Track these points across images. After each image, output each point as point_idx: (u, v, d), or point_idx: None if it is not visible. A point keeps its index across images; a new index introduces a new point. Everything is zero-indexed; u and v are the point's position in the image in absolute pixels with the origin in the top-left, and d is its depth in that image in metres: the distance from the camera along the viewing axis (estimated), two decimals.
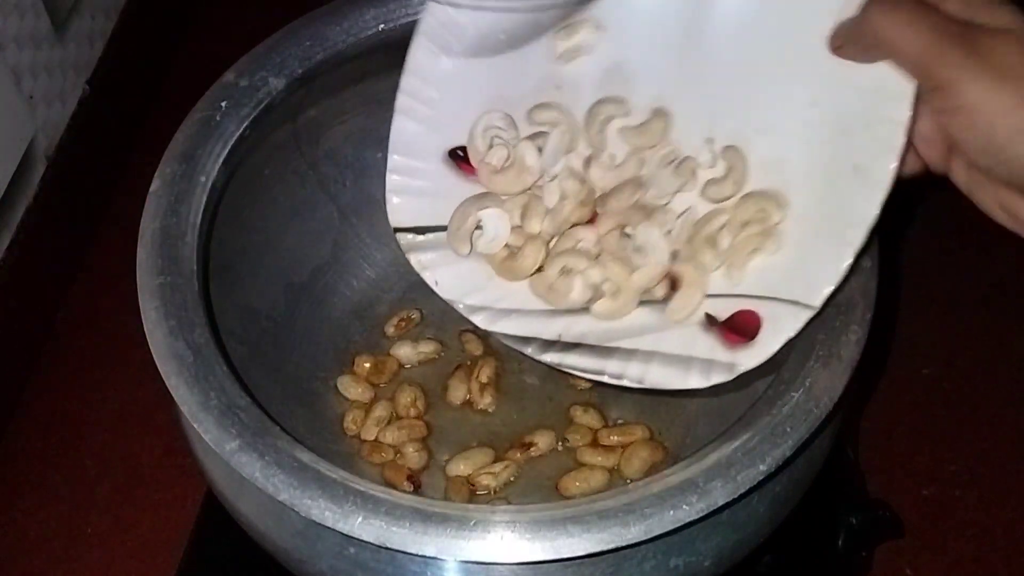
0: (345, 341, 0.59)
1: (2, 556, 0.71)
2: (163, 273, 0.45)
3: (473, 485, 0.54)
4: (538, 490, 0.54)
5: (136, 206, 0.47)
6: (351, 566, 0.42)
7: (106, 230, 0.87)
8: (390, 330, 0.60)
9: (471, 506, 0.41)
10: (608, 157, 0.48)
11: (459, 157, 0.48)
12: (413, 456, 0.55)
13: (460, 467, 0.54)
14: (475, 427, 0.57)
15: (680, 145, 0.47)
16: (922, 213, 0.81)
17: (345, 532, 0.39)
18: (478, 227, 0.48)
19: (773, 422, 0.41)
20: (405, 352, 0.59)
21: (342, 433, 0.56)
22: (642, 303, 0.47)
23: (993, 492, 0.72)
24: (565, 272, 0.47)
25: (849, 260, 0.41)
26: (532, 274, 0.48)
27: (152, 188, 0.48)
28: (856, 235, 0.41)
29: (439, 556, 0.39)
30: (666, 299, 0.46)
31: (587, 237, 0.47)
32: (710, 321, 0.45)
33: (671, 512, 0.38)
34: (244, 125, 0.50)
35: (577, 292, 0.47)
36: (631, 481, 0.44)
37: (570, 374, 0.47)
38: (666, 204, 0.47)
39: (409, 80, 0.47)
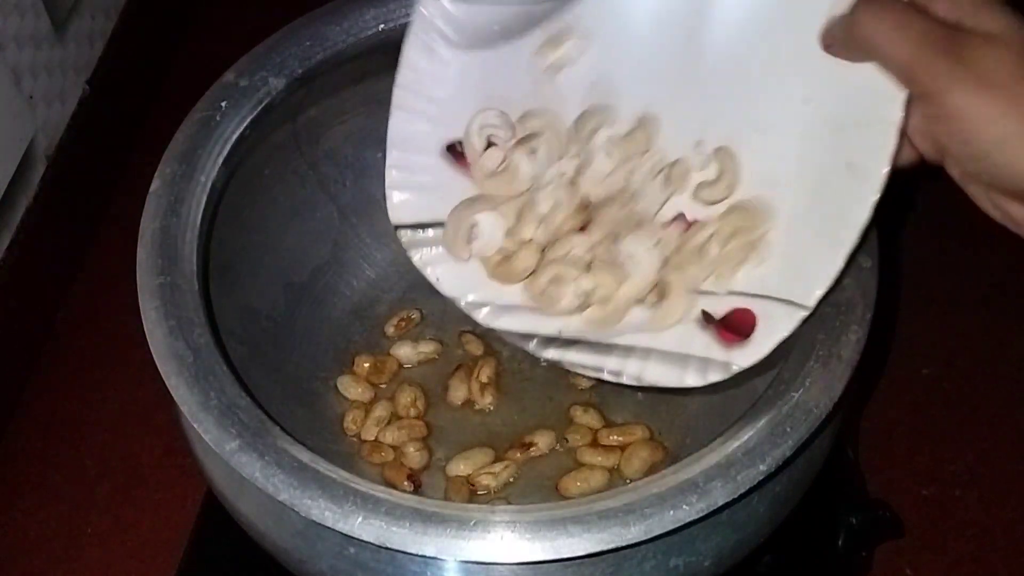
0: (345, 341, 0.59)
1: (2, 556, 0.71)
2: (163, 273, 0.45)
3: (473, 485, 0.54)
4: (538, 490, 0.54)
5: (136, 206, 0.47)
6: (351, 566, 0.42)
7: (106, 230, 0.87)
8: (390, 330, 0.60)
9: (471, 506, 0.41)
10: (598, 167, 0.48)
11: (457, 152, 0.48)
12: (413, 456, 0.55)
13: (460, 467, 0.54)
14: (475, 427, 0.57)
15: (670, 150, 0.46)
16: (922, 213, 0.80)
17: (345, 532, 0.39)
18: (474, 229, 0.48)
19: (773, 422, 0.41)
20: (405, 352, 0.59)
21: (342, 433, 0.56)
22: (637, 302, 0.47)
23: (993, 492, 0.72)
24: (556, 280, 0.47)
25: (842, 262, 0.41)
26: (525, 278, 0.48)
27: (152, 188, 0.48)
28: (849, 236, 0.41)
29: (439, 556, 0.39)
30: (655, 306, 0.46)
31: (579, 245, 0.47)
32: (706, 319, 0.45)
33: (671, 512, 0.39)
34: (244, 125, 0.50)
35: (567, 300, 0.47)
36: (631, 481, 0.44)
37: (570, 371, 0.47)
38: (656, 213, 0.47)
39: (405, 74, 0.47)
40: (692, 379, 0.44)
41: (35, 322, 0.81)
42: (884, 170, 0.39)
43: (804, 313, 0.42)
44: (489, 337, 0.58)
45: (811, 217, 0.42)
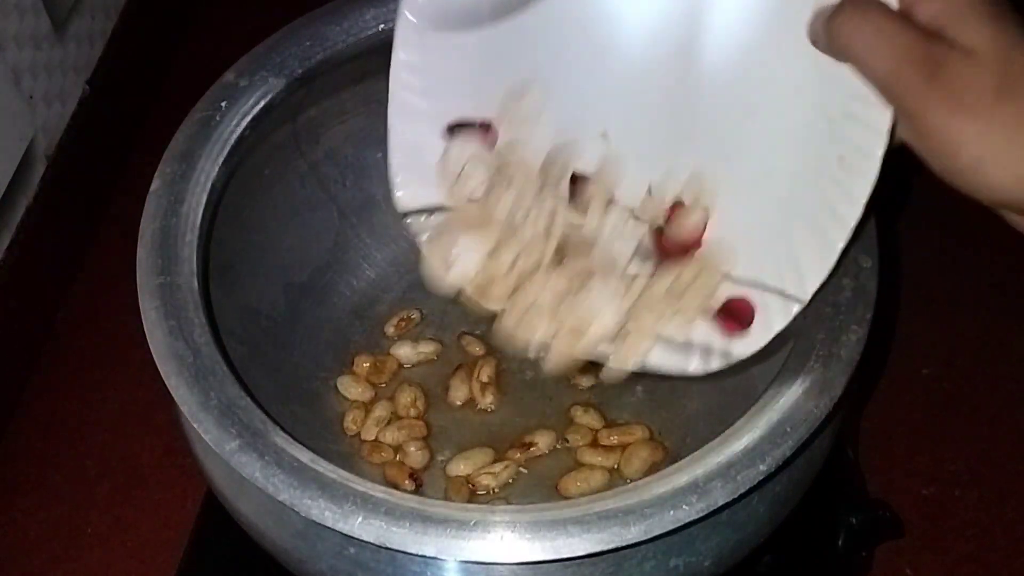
0: (345, 341, 0.59)
1: (2, 556, 0.71)
2: (163, 273, 0.45)
3: (473, 485, 0.54)
4: (538, 490, 0.54)
5: (136, 206, 0.47)
6: (351, 566, 0.42)
7: (106, 230, 0.87)
8: (390, 330, 0.60)
9: (471, 506, 0.41)
10: (569, 207, 0.48)
11: (459, 132, 0.48)
12: (414, 456, 0.55)
13: (460, 467, 0.54)
14: (475, 427, 0.57)
15: (642, 175, 0.46)
16: (921, 213, 0.80)
17: (345, 532, 0.39)
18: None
19: (773, 422, 0.41)
20: (405, 352, 0.59)
21: (342, 433, 0.56)
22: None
23: (993, 492, 0.72)
24: (525, 325, 0.47)
25: (835, 256, 0.41)
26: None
27: (152, 188, 0.48)
28: (841, 230, 0.40)
29: (439, 556, 0.39)
30: (617, 345, 0.46)
31: (551, 283, 0.47)
32: None
33: (671, 512, 0.38)
34: (244, 125, 0.50)
35: (534, 346, 0.47)
36: (631, 481, 0.44)
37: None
38: (625, 256, 0.47)
39: (398, 59, 0.47)
40: (695, 366, 0.44)
41: (35, 322, 0.81)
42: (875, 168, 0.39)
43: (799, 306, 0.42)
44: (489, 337, 0.58)
45: (804, 209, 0.42)
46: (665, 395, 0.57)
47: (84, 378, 0.79)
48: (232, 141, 0.50)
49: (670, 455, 0.54)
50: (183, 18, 1.01)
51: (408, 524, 0.39)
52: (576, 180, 0.48)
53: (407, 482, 0.53)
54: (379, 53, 0.49)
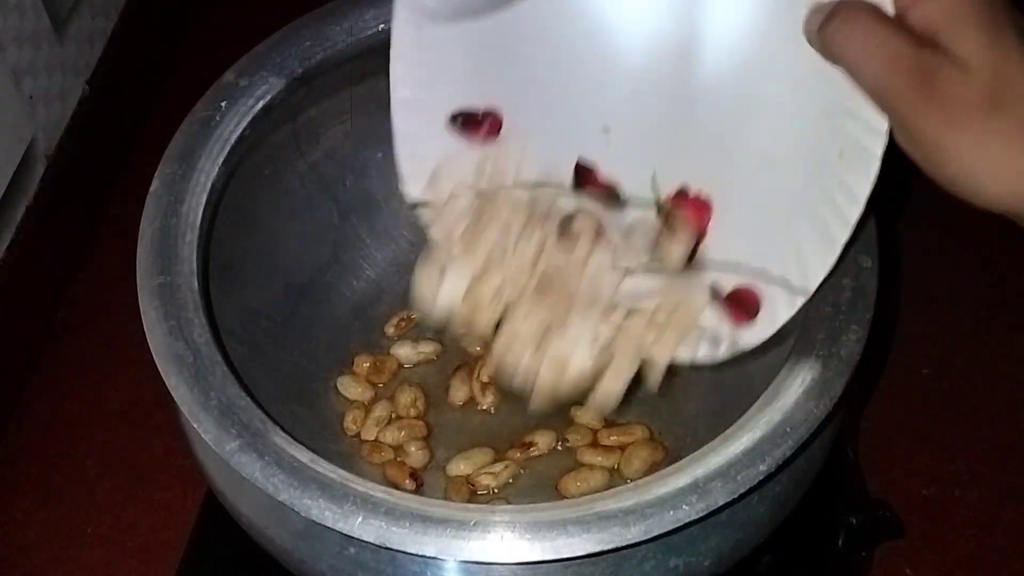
0: (345, 341, 0.59)
1: (2, 556, 0.71)
2: (163, 273, 0.45)
3: (473, 485, 0.54)
4: (538, 490, 0.54)
5: (136, 206, 0.47)
6: (351, 566, 0.42)
7: (106, 230, 0.87)
8: (390, 330, 0.60)
9: (471, 506, 0.41)
10: (554, 242, 0.48)
11: (461, 123, 0.48)
12: (415, 455, 0.55)
13: (460, 467, 0.54)
14: (475, 427, 0.57)
15: (643, 171, 0.47)
16: (921, 213, 0.80)
17: (345, 532, 0.39)
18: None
19: (773, 422, 0.41)
20: (405, 352, 0.59)
21: (342, 433, 0.56)
22: (648, 269, 0.47)
23: (993, 492, 0.72)
24: (510, 355, 0.47)
25: (839, 249, 0.41)
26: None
27: (152, 188, 0.48)
28: (843, 229, 0.41)
29: (439, 556, 0.39)
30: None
31: (533, 314, 0.47)
32: (713, 294, 0.45)
33: (671, 512, 0.38)
34: (244, 125, 0.50)
35: (518, 381, 0.47)
36: (631, 481, 0.44)
37: None
38: (606, 294, 0.47)
39: (397, 54, 0.47)
40: (704, 354, 0.45)
41: (35, 322, 0.81)
42: (875, 166, 0.39)
43: (804, 298, 0.42)
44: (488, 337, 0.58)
45: (807, 203, 0.42)
46: (665, 395, 0.57)
47: (84, 378, 0.79)
48: (232, 141, 0.50)
49: (670, 455, 0.54)
50: (183, 18, 1.01)
51: (408, 524, 0.39)
52: (581, 171, 0.48)
53: (407, 482, 0.53)
54: (379, 53, 0.49)
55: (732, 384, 0.52)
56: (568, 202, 0.48)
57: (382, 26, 0.53)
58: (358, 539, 0.39)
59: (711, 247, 0.46)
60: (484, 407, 0.57)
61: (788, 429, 0.40)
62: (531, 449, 0.55)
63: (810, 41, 0.38)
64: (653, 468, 0.54)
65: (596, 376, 0.46)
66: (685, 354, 0.45)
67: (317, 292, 0.59)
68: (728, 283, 0.45)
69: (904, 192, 0.76)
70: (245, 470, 0.40)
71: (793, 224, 0.43)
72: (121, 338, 0.78)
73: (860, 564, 0.62)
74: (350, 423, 0.56)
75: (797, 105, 0.42)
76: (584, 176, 0.48)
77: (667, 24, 0.44)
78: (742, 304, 0.45)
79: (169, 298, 0.44)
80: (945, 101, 0.33)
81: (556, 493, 0.54)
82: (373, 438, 0.56)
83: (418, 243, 0.60)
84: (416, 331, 0.60)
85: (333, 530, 0.39)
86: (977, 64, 0.33)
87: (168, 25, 1.00)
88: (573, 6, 0.46)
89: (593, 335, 0.46)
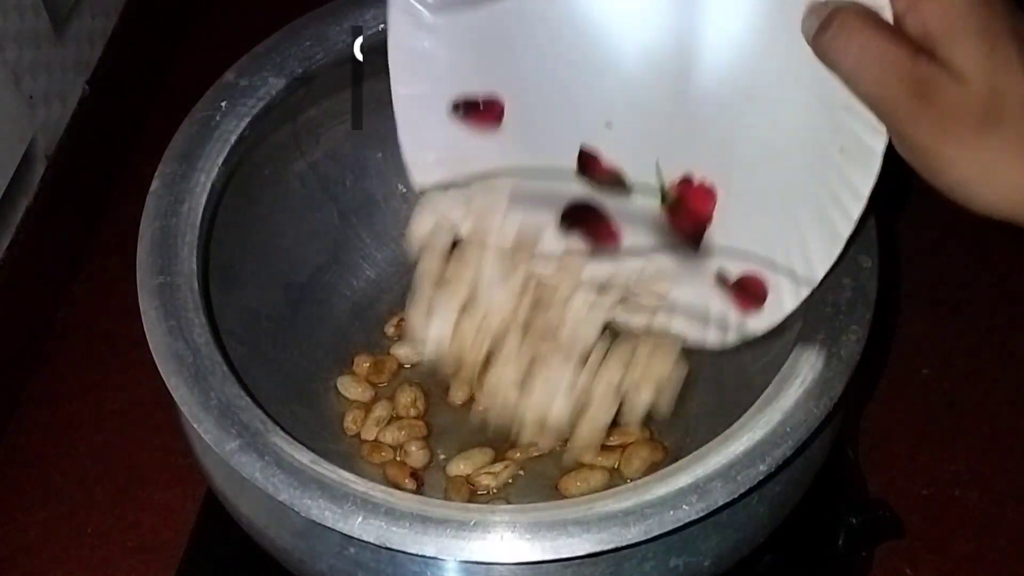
0: (345, 341, 0.59)
1: (2, 556, 0.71)
2: (163, 273, 0.45)
3: (473, 485, 0.54)
4: (538, 490, 0.54)
5: (136, 206, 0.47)
6: (351, 566, 0.42)
7: (106, 230, 0.87)
8: (390, 330, 0.60)
9: (471, 506, 0.41)
10: (536, 283, 0.49)
11: (463, 111, 0.49)
12: (415, 455, 0.55)
13: (460, 467, 0.54)
14: (475, 427, 0.57)
15: (647, 160, 0.47)
16: (921, 213, 0.80)
17: (345, 532, 0.39)
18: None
19: (773, 422, 0.41)
20: (405, 352, 0.59)
21: (342, 433, 0.56)
22: (663, 251, 0.48)
23: (993, 492, 0.72)
24: (494, 404, 0.49)
25: (841, 244, 0.41)
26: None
27: (152, 188, 0.48)
28: (846, 224, 0.41)
29: (439, 556, 0.39)
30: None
31: (516, 362, 0.48)
32: (722, 279, 0.45)
33: (671, 512, 0.38)
34: (244, 125, 0.50)
35: (507, 423, 0.49)
36: (631, 481, 0.44)
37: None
38: (585, 342, 0.49)
39: (395, 44, 0.47)
40: (713, 338, 0.46)
41: (35, 322, 0.81)
42: (876, 163, 0.39)
43: (809, 288, 0.43)
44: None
45: (810, 196, 0.42)
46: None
47: (84, 378, 0.79)
48: (232, 141, 0.50)
49: (670, 455, 0.54)
50: (183, 18, 1.01)
51: (408, 524, 0.39)
52: (585, 158, 0.48)
53: (407, 482, 0.53)
54: (379, 53, 0.49)
55: (732, 384, 0.52)
56: (572, 187, 0.48)
57: (382, 26, 0.53)
58: (358, 539, 0.39)
59: (717, 234, 0.47)
60: (484, 407, 0.57)
61: (788, 429, 0.40)
62: (531, 449, 0.55)
63: (808, 39, 0.38)
64: (653, 468, 0.53)
65: (576, 420, 0.48)
66: (695, 338, 0.46)
67: (317, 292, 0.59)
68: (735, 270, 0.46)
69: (904, 192, 0.76)
70: (245, 470, 0.40)
71: (797, 215, 0.43)
72: (121, 338, 0.79)
73: (860, 564, 0.62)
74: (350, 423, 0.56)
75: (796, 98, 0.42)
76: (588, 163, 0.48)
77: (668, 16, 0.44)
78: (749, 291, 0.45)
79: (169, 298, 0.44)
80: (941, 113, 0.33)
81: (556, 493, 0.54)
82: (373, 438, 0.56)
83: None
84: None
85: (333, 530, 0.39)
86: (974, 77, 0.33)
87: (168, 25, 1.00)
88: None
89: (571, 383, 0.47)
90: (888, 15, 0.35)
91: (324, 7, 0.53)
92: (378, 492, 0.40)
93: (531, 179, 0.49)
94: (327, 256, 0.59)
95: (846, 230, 0.41)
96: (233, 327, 0.50)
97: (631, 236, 0.49)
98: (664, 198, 0.48)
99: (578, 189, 0.49)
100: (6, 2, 0.73)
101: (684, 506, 0.39)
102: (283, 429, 0.42)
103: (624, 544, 0.38)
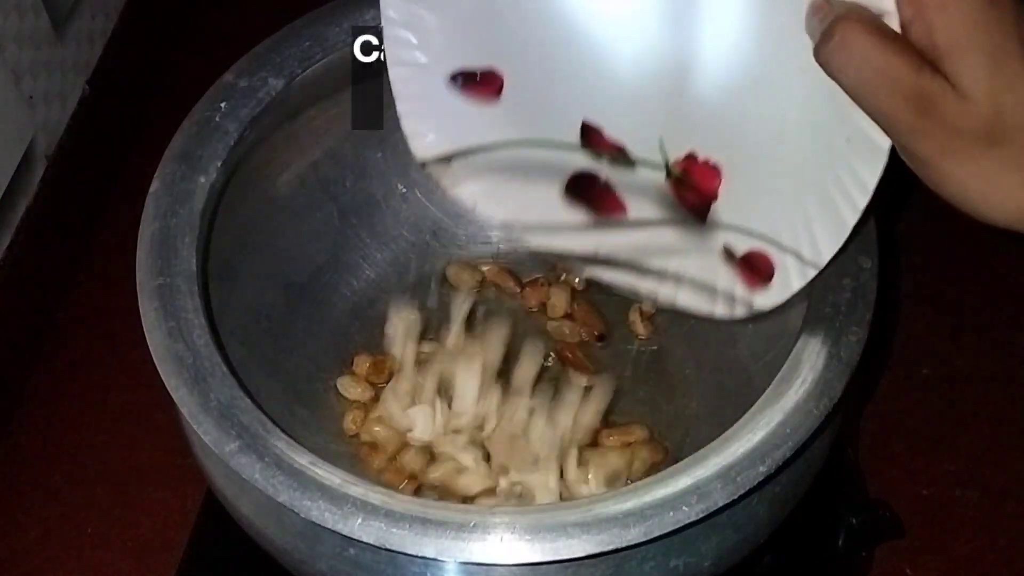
0: (345, 341, 0.59)
1: (2, 556, 0.71)
2: (162, 274, 0.45)
3: None
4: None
5: (136, 207, 0.47)
6: (351, 567, 0.42)
7: (106, 230, 0.87)
8: (390, 330, 0.60)
9: (471, 507, 0.41)
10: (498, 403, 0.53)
11: (461, 82, 0.48)
12: (414, 457, 0.55)
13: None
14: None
15: (651, 136, 0.47)
16: (922, 213, 0.80)
17: (345, 533, 0.39)
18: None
19: (773, 423, 0.41)
20: None
21: (342, 433, 0.56)
22: (670, 224, 0.48)
23: (993, 492, 0.72)
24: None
25: (847, 232, 0.41)
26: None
27: (151, 189, 0.48)
28: (852, 213, 0.41)
29: (439, 557, 0.39)
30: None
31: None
32: (729, 254, 0.45)
33: (671, 513, 0.38)
34: (244, 125, 0.50)
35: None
36: (631, 482, 0.44)
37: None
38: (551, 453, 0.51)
39: (389, 17, 0.47)
40: (720, 310, 0.46)
41: (35, 321, 0.81)
42: (882, 157, 0.39)
43: (815, 270, 0.43)
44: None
45: (816, 182, 0.42)
46: (665, 395, 0.57)
47: (84, 378, 0.79)
48: (232, 141, 0.50)
49: (670, 455, 0.54)
50: (183, 18, 1.01)
51: (408, 525, 0.39)
52: (588, 131, 0.48)
53: (406, 482, 0.53)
54: (379, 52, 0.49)
55: (732, 384, 0.52)
56: (576, 158, 0.48)
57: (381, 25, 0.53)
58: (358, 540, 0.39)
59: (723, 212, 0.46)
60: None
61: (788, 430, 0.40)
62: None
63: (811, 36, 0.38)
64: (653, 469, 0.53)
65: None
66: (704, 309, 0.47)
67: (317, 292, 0.59)
68: (741, 246, 0.45)
69: (904, 192, 0.76)
70: (245, 471, 0.40)
71: (804, 199, 0.43)
72: (121, 338, 0.78)
73: (860, 564, 0.62)
74: (350, 423, 0.56)
75: (803, 84, 0.41)
76: (591, 136, 0.48)
77: (674, 1, 0.44)
78: (756, 267, 0.45)
79: (169, 299, 0.44)
80: (943, 130, 0.33)
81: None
82: (373, 439, 0.55)
83: (418, 243, 0.61)
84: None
85: (333, 531, 0.39)
86: (978, 94, 0.32)
87: (168, 25, 1.00)
88: None
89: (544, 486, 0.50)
90: (894, 21, 0.34)
91: (324, 7, 0.53)
92: (378, 493, 0.40)
93: (533, 149, 0.49)
94: (327, 256, 0.59)
95: (852, 218, 0.41)
96: (233, 328, 0.50)
97: (637, 208, 0.49)
98: (669, 172, 0.47)
99: (582, 160, 0.48)
100: (6, 2, 0.73)
101: (684, 507, 0.39)
102: (283, 430, 0.42)
103: (624, 545, 0.38)
